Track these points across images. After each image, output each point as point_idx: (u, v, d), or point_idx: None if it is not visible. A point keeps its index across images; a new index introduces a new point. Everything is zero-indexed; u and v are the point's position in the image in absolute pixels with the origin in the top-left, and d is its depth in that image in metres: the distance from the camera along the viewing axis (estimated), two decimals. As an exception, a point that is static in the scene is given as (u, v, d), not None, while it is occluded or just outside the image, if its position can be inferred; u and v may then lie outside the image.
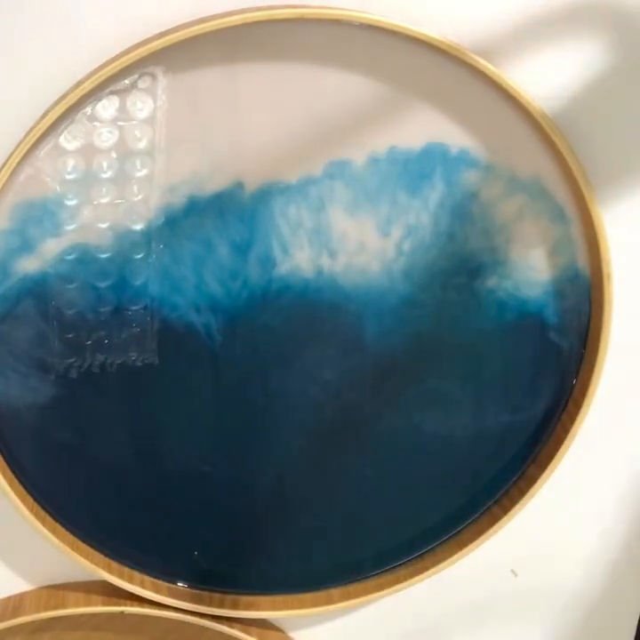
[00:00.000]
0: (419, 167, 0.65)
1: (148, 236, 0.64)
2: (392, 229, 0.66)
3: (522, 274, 0.68)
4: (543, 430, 0.74)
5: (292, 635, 0.80)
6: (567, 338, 0.71)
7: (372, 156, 0.64)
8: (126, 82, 0.60)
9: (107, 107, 0.61)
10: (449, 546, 0.76)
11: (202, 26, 0.58)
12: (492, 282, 0.68)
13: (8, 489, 0.68)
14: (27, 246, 0.63)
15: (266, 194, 0.64)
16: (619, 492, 0.80)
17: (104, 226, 0.64)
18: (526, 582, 0.82)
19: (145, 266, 0.65)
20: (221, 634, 0.76)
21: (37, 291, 0.65)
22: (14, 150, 0.60)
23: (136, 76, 0.60)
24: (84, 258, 0.64)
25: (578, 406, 0.72)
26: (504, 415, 0.73)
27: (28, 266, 0.64)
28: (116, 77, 0.59)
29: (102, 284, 0.65)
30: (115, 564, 0.74)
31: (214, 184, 0.64)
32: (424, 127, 0.64)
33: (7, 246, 0.64)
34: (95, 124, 0.61)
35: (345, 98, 0.62)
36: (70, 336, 0.66)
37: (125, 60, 0.58)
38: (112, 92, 0.60)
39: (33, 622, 0.74)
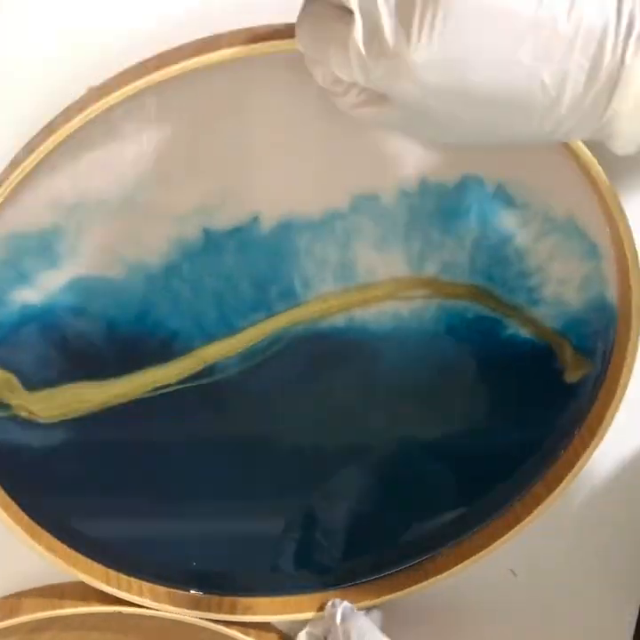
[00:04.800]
0: (453, 203, 0.61)
1: (159, 277, 0.62)
2: (426, 264, 0.64)
3: (548, 309, 0.67)
4: (555, 451, 0.73)
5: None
6: (588, 358, 0.69)
7: (402, 190, 0.61)
8: (121, 111, 0.56)
9: (105, 132, 0.57)
10: (450, 555, 0.76)
11: (205, 58, 0.53)
12: (520, 321, 0.67)
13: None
14: (23, 278, 0.61)
15: (286, 228, 0.61)
16: (621, 520, 0.80)
17: (111, 257, 0.61)
18: (525, 582, 0.82)
19: (157, 304, 0.62)
20: (219, 634, 0.75)
21: (40, 320, 0.62)
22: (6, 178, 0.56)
23: (135, 102, 0.56)
24: (89, 290, 0.61)
25: (592, 433, 0.70)
26: (515, 435, 0.72)
27: (28, 297, 0.61)
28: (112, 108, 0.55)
29: (111, 318, 0.63)
30: (112, 573, 0.73)
31: (228, 217, 0.60)
32: (458, 160, 0.60)
33: (2, 276, 0.60)
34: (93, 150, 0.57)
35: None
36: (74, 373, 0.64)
37: (122, 94, 0.53)
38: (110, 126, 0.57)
39: (31, 622, 0.73)
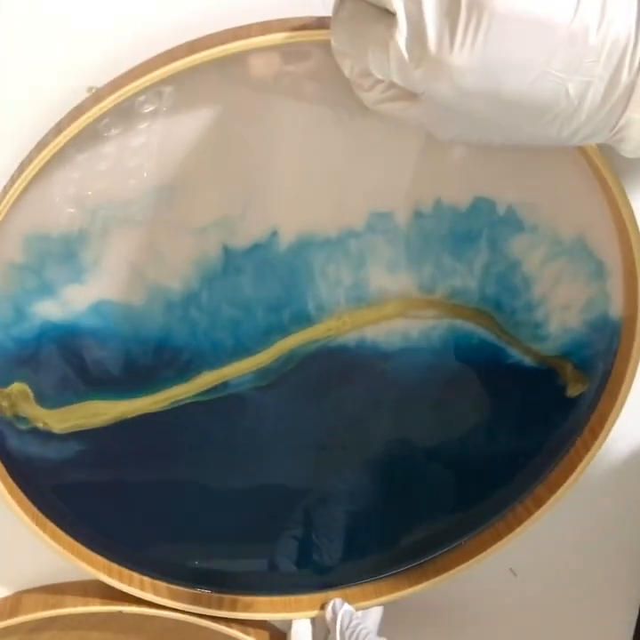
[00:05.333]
0: (465, 228, 0.62)
1: (180, 304, 0.62)
2: (436, 288, 0.64)
3: (552, 339, 0.67)
4: (556, 454, 0.73)
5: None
6: (589, 374, 0.69)
7: (416, 211, 0.61)
8: (144, 106, 0.55)
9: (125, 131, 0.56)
10: (450, 556, 0.77)
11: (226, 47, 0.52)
12: (523, 350, 0.67)
13: (8, 496, 0.66)
14: (46, 289, 0.60)
15: (304, 246, 0.61)
16: (621, 520, 0.80)
17: (133, 277, 0.60)
18: (524, 582, 0.83)
19: (176, 330, 0.63)
20: (219, 633, 0.76)
21: (60, 339, 0.62)
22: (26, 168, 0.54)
23: (157, 95, 0.55)
24: (111, 315, 0.61)
25: (594, 435, 0.71)
26: (518, 441, 0.73)
27: (49, 311, 0.61)
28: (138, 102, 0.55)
29: (130, 344, 0.63)
30: (115, 566, 0.73)
31: (248, 230, 0.60)
32: (471, 180, 0.60)
33: (22, 285, 0.60)
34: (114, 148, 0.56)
35: (388, 142, 0.58)
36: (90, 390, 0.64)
37: (146, 81, 0.53)
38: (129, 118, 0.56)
39: (31, 622, 0.73)
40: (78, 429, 0.66)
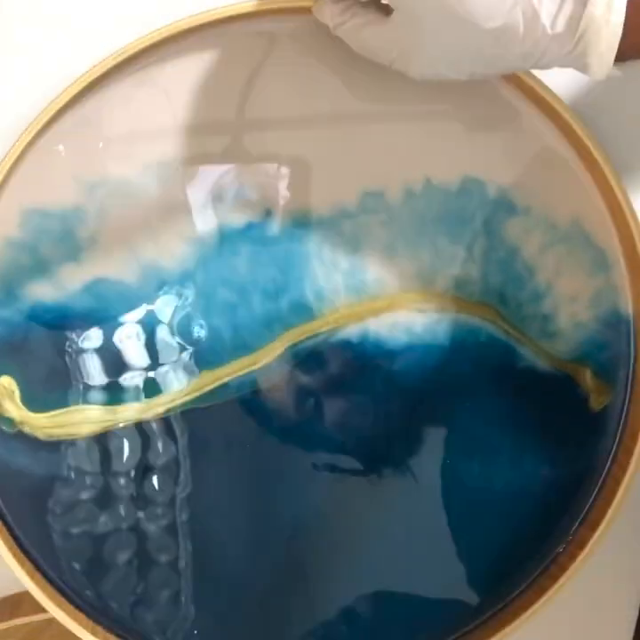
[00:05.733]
0: (457, 208, 0.62)
1: (174, 285, 0.62)
2: (437, 279, 0.63)
3: (563, 335, 0.66)
4: (592, 485, 0.69)
5: None
6: (611, 382, 0.67)
7: (407, 189, 0.62)
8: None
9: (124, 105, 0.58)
10: (487, 626, 0.69)
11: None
12: (534, 351, 0.66)
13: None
14: (41, 268, 0.59)
15: (298, 226, 0.62)
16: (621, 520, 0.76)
17: (128, 256, 0.60)
18: None
19: (170, 316, 0.62)
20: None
21: (53, 324, 0.61)
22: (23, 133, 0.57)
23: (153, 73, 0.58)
24: (105, 295, 0.61)
25: (623, 469, 0.67)
26: (545, 472, 0.68)
27: (42, 292, 0.60)
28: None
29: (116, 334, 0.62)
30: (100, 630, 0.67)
31: (243, 211, 0.61)
32: (459, 158, 0.62)
33: (16, 262, 0.59)
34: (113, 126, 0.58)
35: (377, 121, 0.61)
36: (80, 392, 0.63)
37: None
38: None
39: (31, 623, 0.71)
40: (66, 439, 0.63)
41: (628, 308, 0.65)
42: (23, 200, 0.59)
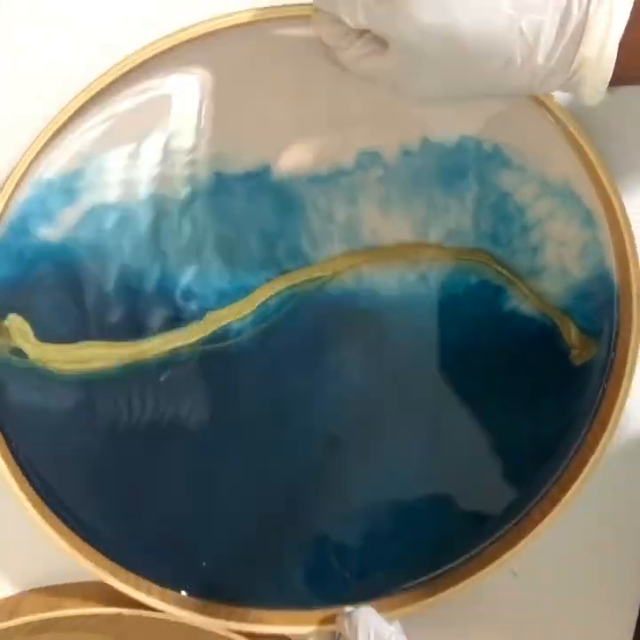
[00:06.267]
0: (453, 163, 0.64)
1: (171, 216, 0.64)
2: (430, 231, 0.66)
3: (550, 277, 0.68)
4: (568, 448, 0.72)
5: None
6: (594, 338, 0.70)
7: (404, 148, 0.64)
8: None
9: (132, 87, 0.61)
10: (465, 567, 0.74)
11: (228, 19, 0.59)
12: (523, 292, 0.68)
13: (17, 489, 0.66)
14: (47, 214, 0.62)
15: (295, 180, 0.64)
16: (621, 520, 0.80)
17: (119, 203, 0.63)
18: (526, 582, 0.81)
19: (168, 252, 0.64)
20: (220, 636, 0.74)
21: (57, 258, 0.63)
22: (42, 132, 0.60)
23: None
24: (104, 221, 0.63)
25: (603, 427, 0.70)
26: (524, 425, 0.71)
27: (48, 234, 0.63)
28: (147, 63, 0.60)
29: (125, 262, 0.64)
30: (121, 571, 0.72)
31: (240, 164, 0.63)
32: (455, 120, 0.64)
33: (31, 211, 0.62)
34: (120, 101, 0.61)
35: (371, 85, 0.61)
36: (88, 328, 0.65)
37: (156, 48, 0.59)
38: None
39: (30, 623, 0.72)
40: (79, 374, 0.66)
41: (612, 268, 0.68)
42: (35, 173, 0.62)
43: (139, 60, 0.59)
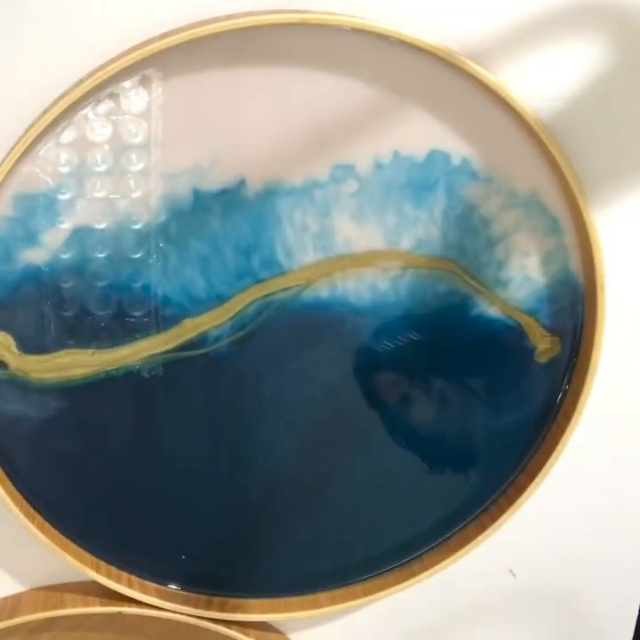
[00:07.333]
0: (423, 177, 0.66)
1: (149, 235, 0.65)
2: (401, 240, 0.68)
3: (515, 285, 0.70)
4: (533, 439, 0.75)
5: (291, 636, 0.81)
6: (556, 342, 0.72)
7: (376, 161, 0.66)
8: (127, 84, 0.62)
9: (103, 103, 0.62)
10: (436, 553, 0.77)
11: (204, 28, 0.60)
12: (489, 299, 0.70)
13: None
14: (29, 236, 0.64)
15: (270, 194, 0.65)
16: (620, 520, 0.81)
17: (100, 223, 0.65)
18: (524, 583, 0.83)
19: (147, 266, 0.66)
20: (219, 634, 0.76)
21: (40, 279, 0.65)
22: (15, 145, 0.61)
23: (137, 76, 0.62)
24: (81, 255, 0.65)
25: (568, 417, 0.73)
26: (493, 420, 0.74)
27: (31, 256, 0.65)
28: (115, 77, 0.61)
29: (100, 284, 0.66)
30: (103, 564, 0.74)
31: (217, 179, 0.65)
32: (426, 134, 0.66)
33: (12, 233, 0.64)
34: (89, 117, 0.62)
35: (346, 101, 0.64)
36: (69, 338, 0.67)
37: (126, 61, 0.60)
38: (111, 94, 0.62)
39: (30, 622, 0.74)
40: (58, 382, 0.68)
41: (578, 273, 0.70)
42: (14, 188, 0.63)
43: (111, 73, 0.60)
